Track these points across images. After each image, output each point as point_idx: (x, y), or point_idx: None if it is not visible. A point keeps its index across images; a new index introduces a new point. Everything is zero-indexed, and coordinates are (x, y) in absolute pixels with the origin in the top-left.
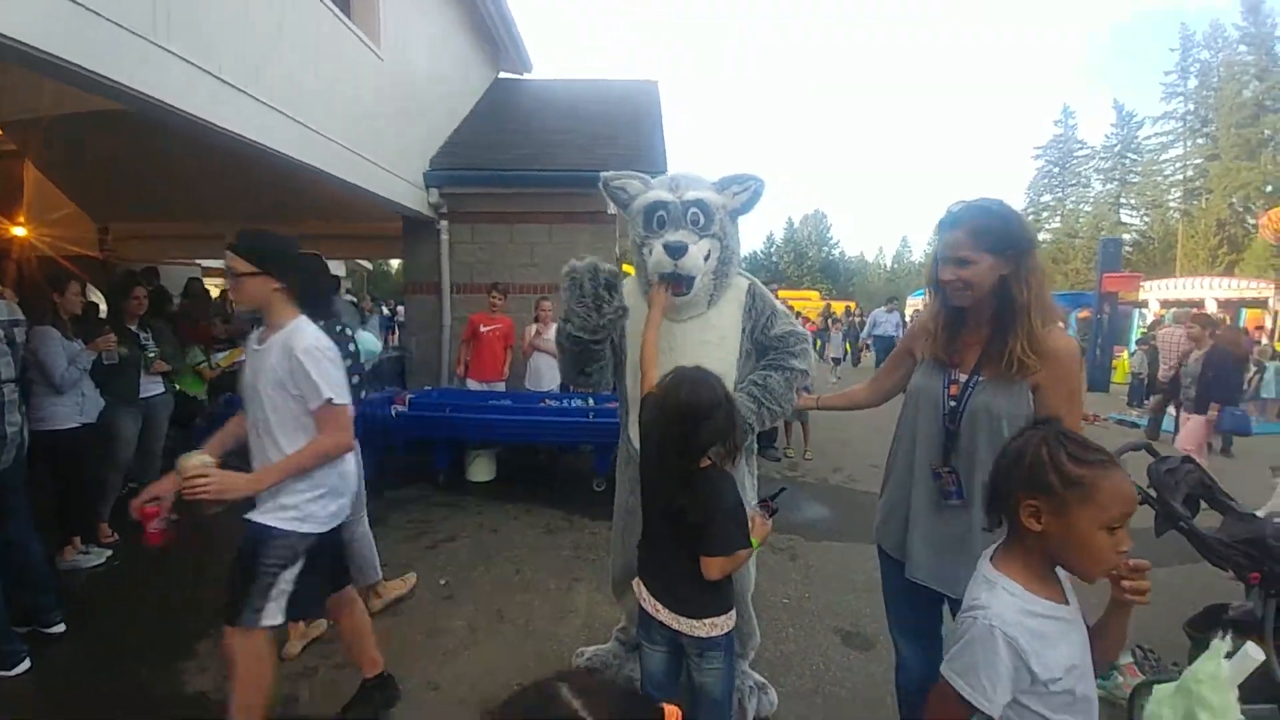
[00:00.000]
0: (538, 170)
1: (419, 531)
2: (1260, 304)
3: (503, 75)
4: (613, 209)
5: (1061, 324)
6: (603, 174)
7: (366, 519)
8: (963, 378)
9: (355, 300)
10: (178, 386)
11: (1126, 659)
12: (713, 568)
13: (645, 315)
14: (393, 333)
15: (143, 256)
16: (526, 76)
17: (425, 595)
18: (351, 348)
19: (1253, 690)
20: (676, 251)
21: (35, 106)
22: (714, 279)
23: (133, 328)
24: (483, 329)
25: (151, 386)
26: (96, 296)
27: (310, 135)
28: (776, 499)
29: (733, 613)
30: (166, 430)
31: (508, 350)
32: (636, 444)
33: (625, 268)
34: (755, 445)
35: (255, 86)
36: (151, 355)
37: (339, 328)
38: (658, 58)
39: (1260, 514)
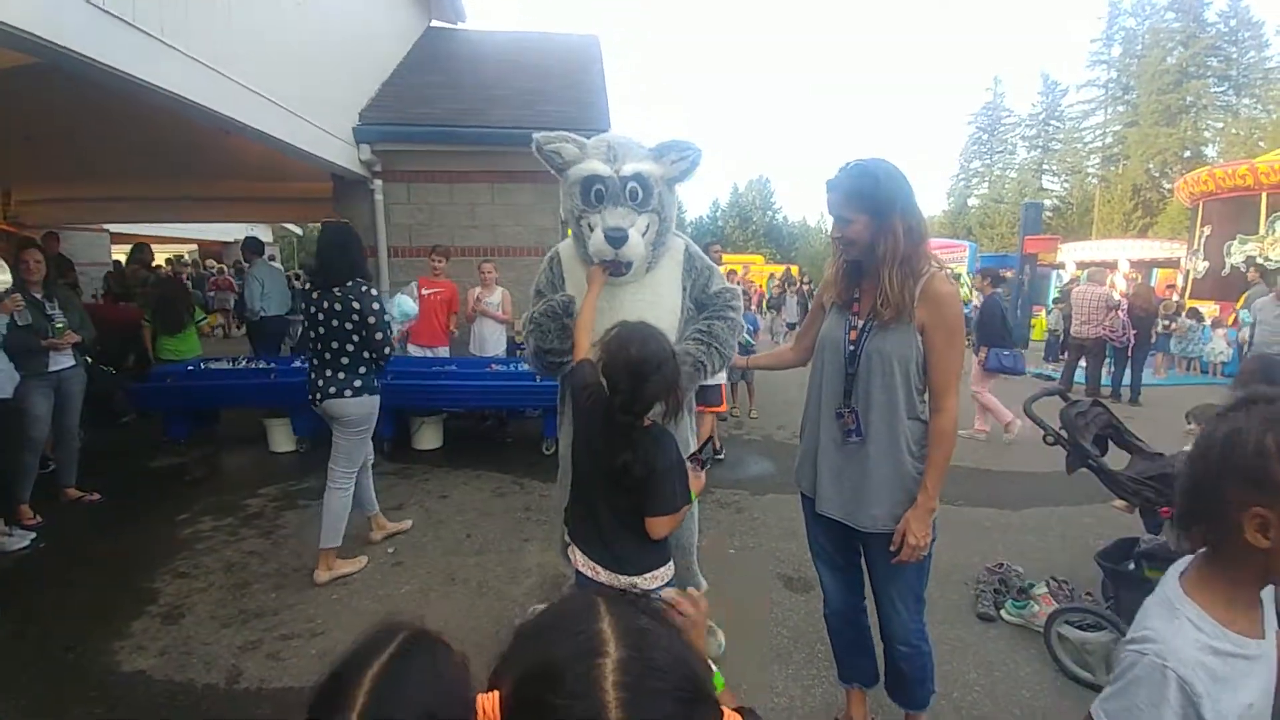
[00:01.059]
0: (477, 127)
1: None
2: (1172, 264)
3: (434, 24)
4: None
5: (944, 270)
6: (535, 135)
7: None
8: (859, 323)
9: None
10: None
11: (1041, 589)
12: (660, 526)
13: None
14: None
15: (48, 221)
16: (460, 26)
17: (373, 565)
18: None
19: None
20: (617, 241)
21: None
22: (652, 249)
23: (37, 295)
24: (424, 292)
25: (62, 359)
26: (3, 271)
27: (229, 86)
28: (708, 464)
29: (670, 563)
30: (81, 405)
31: (451, 315)
32: None
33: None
34: (694, 402)
35: (170, 34)
36: (60, 325)
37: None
38: (594, 11)
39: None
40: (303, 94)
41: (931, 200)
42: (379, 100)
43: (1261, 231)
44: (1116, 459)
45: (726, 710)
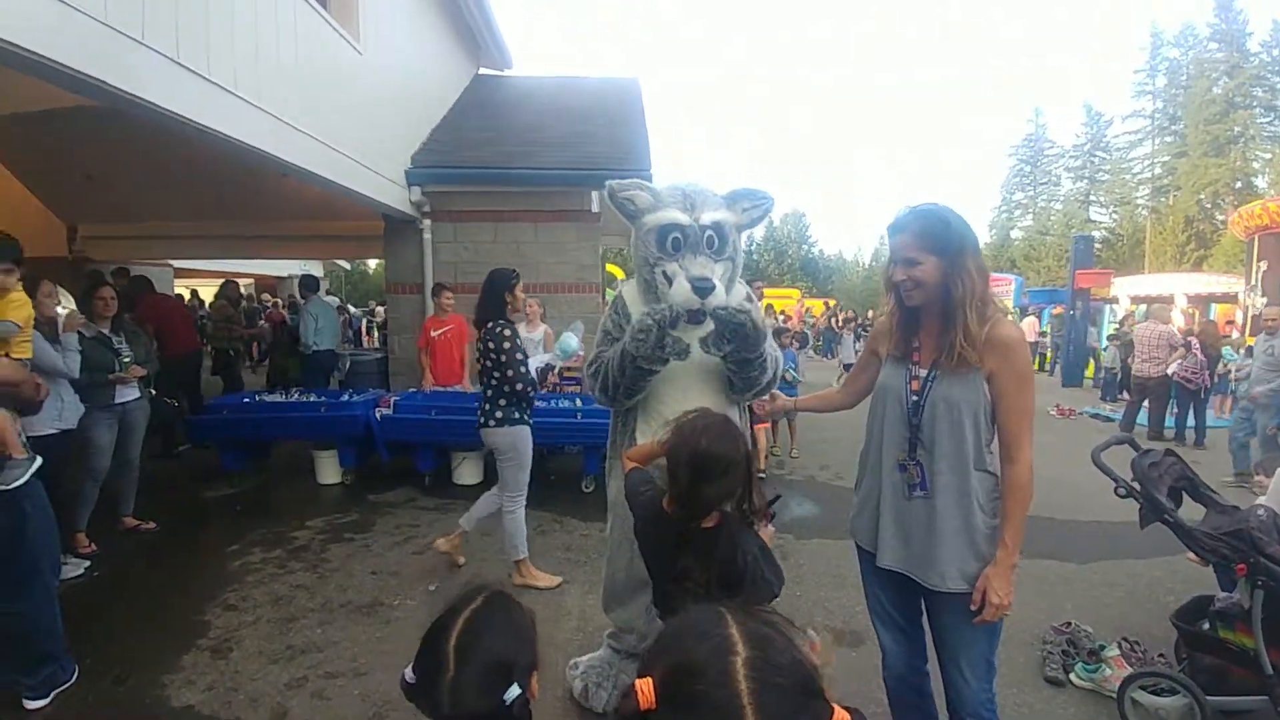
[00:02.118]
0: (523, 169)
1: (406, 536)
2: (1230, 299)
3: (483, 71)
4: (597, 207)
5: (1010, 315)
6: (609, 182)
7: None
8: (922, 373)
9: (340, 302)
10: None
11: (1113, 651)
12: None
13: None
14: (368, 334)
15: (113, 257)
16: (506, 73)
17: (413, 602)
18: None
19: (1247, 684)
20: (704, 291)
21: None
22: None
23: (104, 330)
24: (434, 334)
25: (127, 392)
26: (67, 299)
27: (288, 131)
28: (773, 505)
29: None
30: (144, 437)
31: (464, 348)
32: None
33: (611, 268)
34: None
35: (233, 81)
36: (127, 360)
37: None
38: (633, 55)
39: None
40: (359, 141)
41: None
42: (430, 144)
43: None
44: (1189, 509)
45: (837, 708)
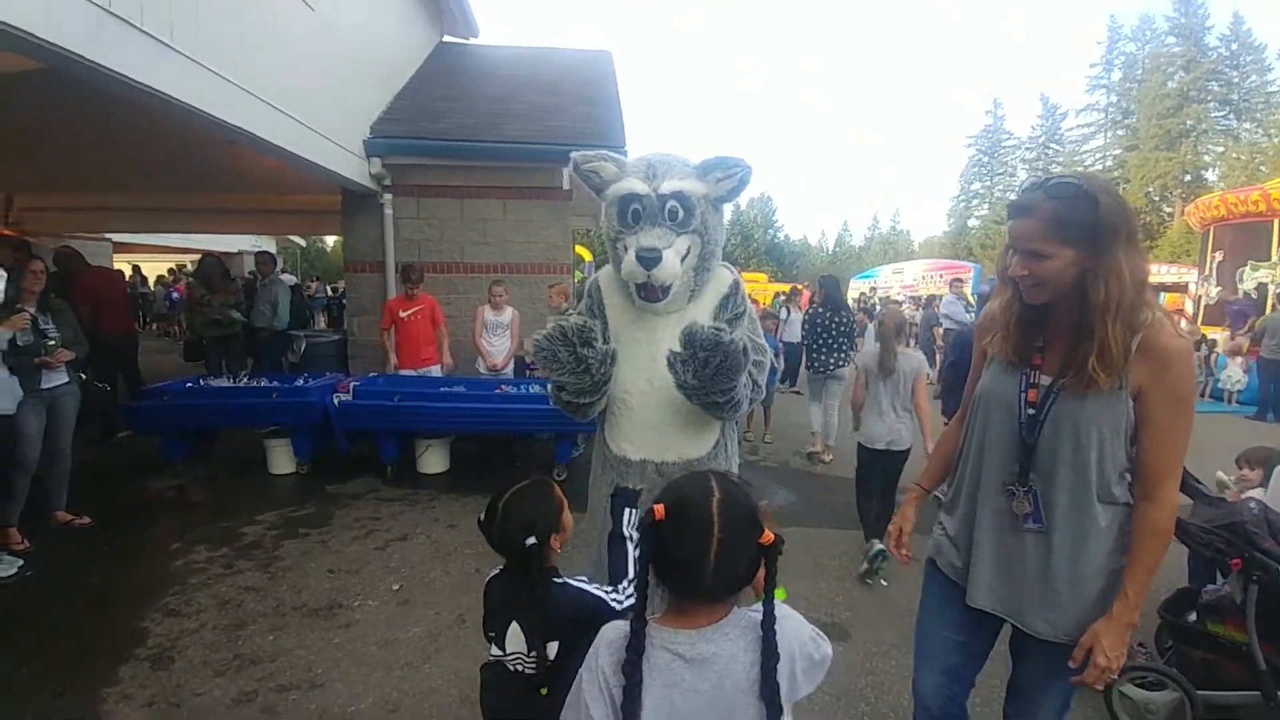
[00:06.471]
0: (490, 142)
1: (367, 530)
2: (1179, 288)
3: (446, 39)
4: (568, 184)
5: (1166, 318)
6: (574, 154)
7: None
8: (1044, 381)
9: (298, 281)
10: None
11: None
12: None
13: (627, 306)
14: (322, 313)
15: (52, 230)
16: (472, 41)
17: (375, 603)
18: None
19: (1238, 678)
20: (649, 262)
21: None
22: (695, 274)
23: (29, 309)
24: (401, 314)
25: (55, 376)
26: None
27: (239, 94)
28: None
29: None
30: (74, 424)
31: (437, 328)
32: (617, 449)
33: (580, 250)
34: (736, 423)
35: (179, 40)
36: (52, 343)
37: None
38: (602, 29)
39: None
40: (313, 105)
41: (933, 221)
42: (390, 114)
43: (1274, 258)
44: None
45: (767, 531)
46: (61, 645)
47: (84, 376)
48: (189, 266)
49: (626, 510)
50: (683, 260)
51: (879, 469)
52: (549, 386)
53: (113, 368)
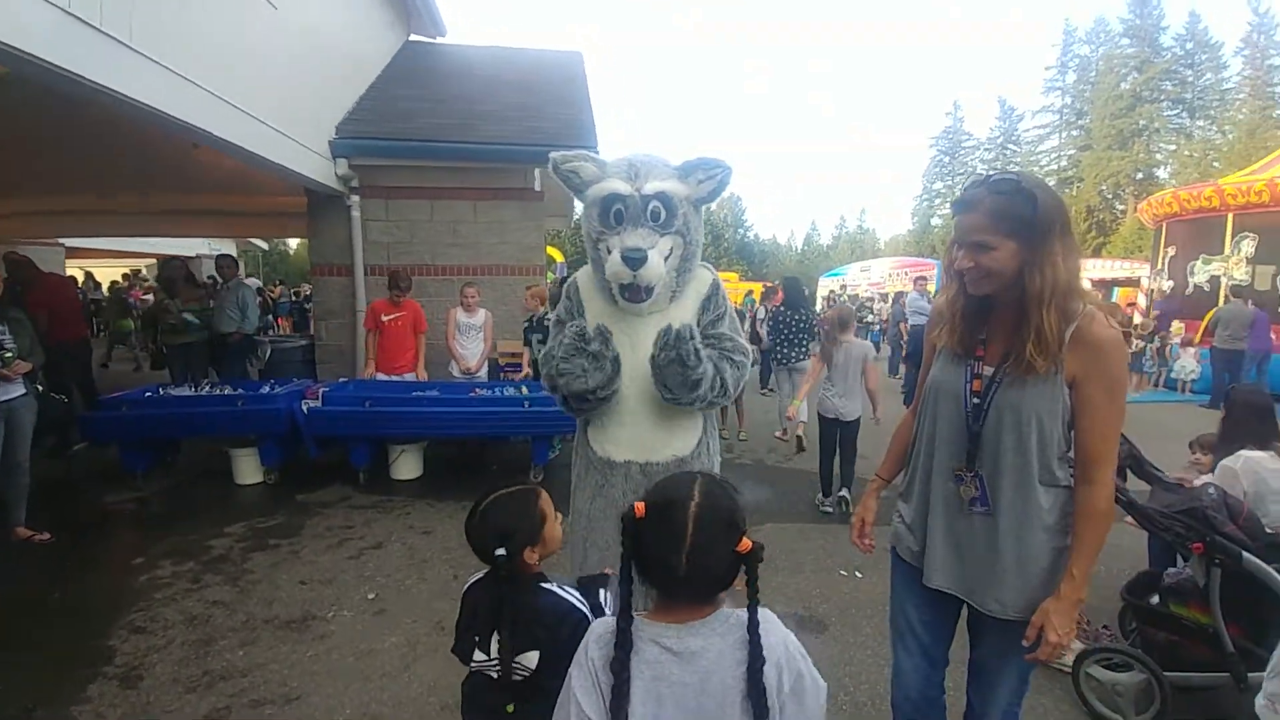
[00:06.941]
0: (460, 143)
1: (340, 539)
2: (1131, 283)
3: (413, 38)
4: (540, 185)
5: (1098, 310)
6: (553, 154)
7: None
8: (987, 371)
9: (260, 285)
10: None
11: None
12: None
13: (608, 307)
14: (281, 318)
15: (1, 235)
16: (440, 41)
17: (350, 613)
18: None
19: (1204, 660)
20: (635, 262)
21: None
22: (676, 275)
23: None
24: (384, 318)
25: (11, 388)
26: None
27: (200, 94)
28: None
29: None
30: (31, 437)
31: (418, 336)
32: (601, 451)
33: (551, 251)
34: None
35: (139, 40)
36: (10, 354)
37: None
38: (573, 30)
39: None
40: (276, 105)
41: (897, 220)
42: (356, 114)
43: (1226, 251)
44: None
45: (745, 538)
46: (29, 666)
47: (40, 388)
48: (144, 271)
49: (600, 591)
50: (665, 261)
51: (835, 434)
52: (562, 400)
53: (65, 376)
